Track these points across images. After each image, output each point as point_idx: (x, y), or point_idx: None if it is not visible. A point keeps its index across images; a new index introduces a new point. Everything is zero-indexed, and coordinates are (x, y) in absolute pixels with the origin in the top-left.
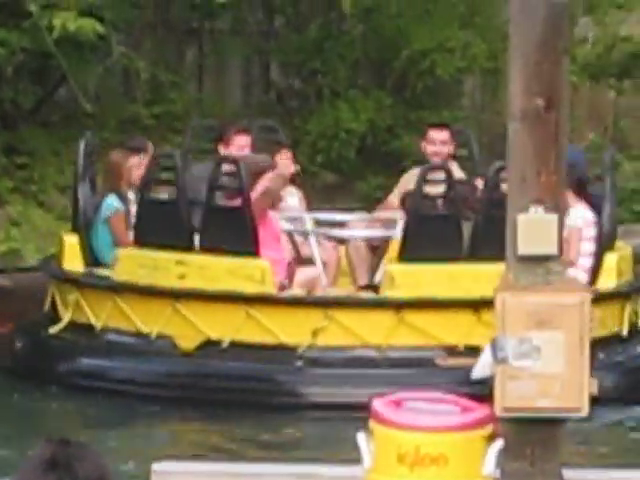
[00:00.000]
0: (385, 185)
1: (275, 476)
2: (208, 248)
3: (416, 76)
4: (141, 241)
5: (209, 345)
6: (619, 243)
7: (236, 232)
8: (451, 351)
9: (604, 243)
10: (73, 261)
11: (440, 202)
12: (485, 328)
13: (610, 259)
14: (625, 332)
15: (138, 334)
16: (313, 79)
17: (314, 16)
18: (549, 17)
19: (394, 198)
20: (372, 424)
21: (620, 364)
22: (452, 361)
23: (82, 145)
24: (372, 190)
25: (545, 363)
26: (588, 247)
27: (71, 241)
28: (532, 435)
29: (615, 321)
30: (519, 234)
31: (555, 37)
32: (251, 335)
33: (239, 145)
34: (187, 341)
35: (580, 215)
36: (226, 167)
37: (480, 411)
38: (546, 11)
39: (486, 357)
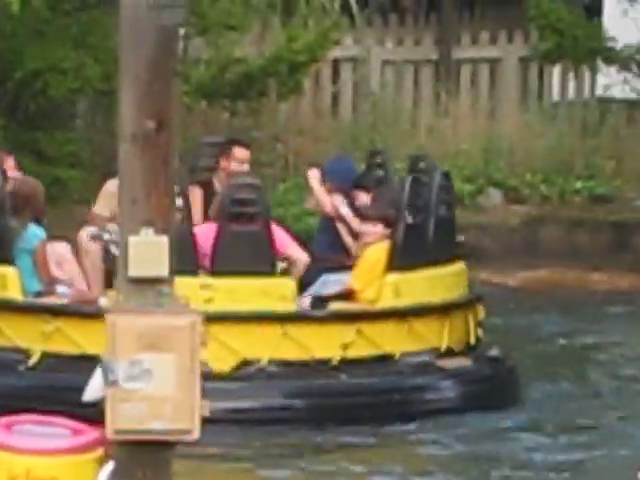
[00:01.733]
0: None
1: None
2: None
3: (29, 97)
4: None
5: None
6: None
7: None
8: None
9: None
10: (15, 292)
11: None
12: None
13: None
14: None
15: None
16: None
17: None
18: (159, 39)
19: (103, 210)
20: None
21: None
22: (451, 362)
23: None
24: None
25: (156, 385)
26: None
27: (10, 272)
28: (143, 457)
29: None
30: (130, 256)
31: (165, 59)
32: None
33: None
34: None
35: None
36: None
37: (91, 434)
38: (156, 33)
39: (97, 379)
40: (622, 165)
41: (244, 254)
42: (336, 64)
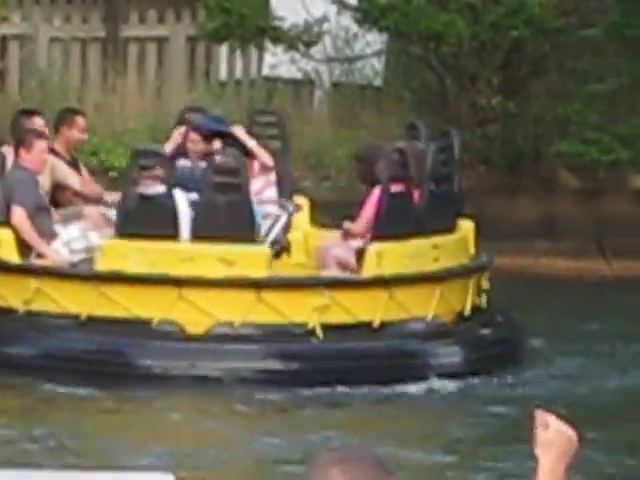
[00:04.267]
0: None
1: None
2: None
3: None
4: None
5: None
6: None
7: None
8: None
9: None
10: None
11: None
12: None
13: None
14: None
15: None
16: None
17: None
18: None
19: None
20: None
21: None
22: None
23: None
24: None
25: None
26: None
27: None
28: None
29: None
30: None
31: None
32: None
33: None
34: None
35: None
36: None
37: None
38: None
39: None
40: (289, 145)
41: (406, 215)
42: (4, 41)
